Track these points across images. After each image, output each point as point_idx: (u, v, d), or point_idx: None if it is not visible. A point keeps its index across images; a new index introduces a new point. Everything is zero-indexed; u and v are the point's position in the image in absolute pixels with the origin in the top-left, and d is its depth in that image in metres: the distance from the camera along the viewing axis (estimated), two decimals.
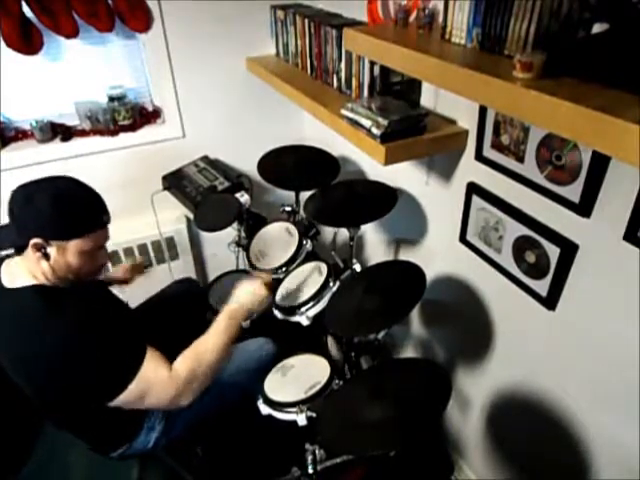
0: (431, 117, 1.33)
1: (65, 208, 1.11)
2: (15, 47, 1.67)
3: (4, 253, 1.23)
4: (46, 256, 1.12)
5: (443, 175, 1.50)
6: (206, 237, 2.41)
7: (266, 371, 1.51)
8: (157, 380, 1.15)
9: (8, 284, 1.14)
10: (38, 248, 1.10)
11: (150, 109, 2.11)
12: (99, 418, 1.26)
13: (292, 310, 1.51)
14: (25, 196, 1.10)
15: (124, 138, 2.03)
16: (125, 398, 1.12)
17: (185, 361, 1.20)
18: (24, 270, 1.14)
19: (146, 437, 1.34)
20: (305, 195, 1.69)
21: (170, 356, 1.23)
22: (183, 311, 1.67)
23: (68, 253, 1.13)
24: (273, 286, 1.40)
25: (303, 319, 1.48)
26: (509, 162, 1.21)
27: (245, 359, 1.53)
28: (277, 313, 1.56)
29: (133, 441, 1.33)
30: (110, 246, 2.03)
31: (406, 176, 1.68)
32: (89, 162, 2.00)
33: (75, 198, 1.14)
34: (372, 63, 1.42)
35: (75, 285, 1.19)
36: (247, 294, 1.36)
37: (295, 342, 1.62)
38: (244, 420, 1.59)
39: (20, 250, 1.15)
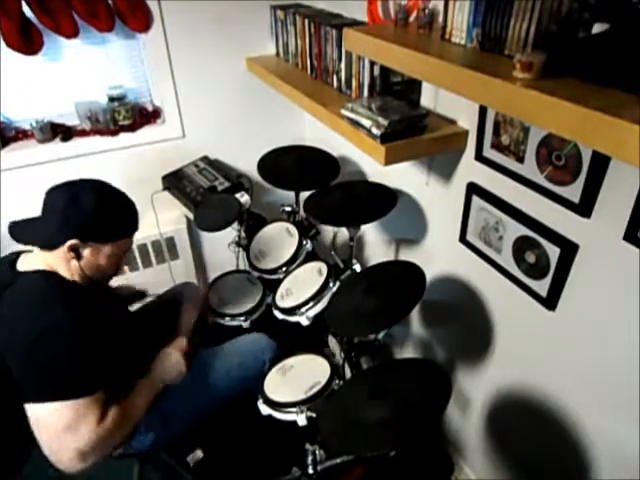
0: (431, 117, 1.33)
1: (109, 212, 1.17)
2: (15, 47, 1.67)
3: (19, 249, 1.24)
4: (78, 257, 1.15)
5: (443, 175, 1.50)
6: (206, 237, 2.41)
7: (264, 367, 1.51)
8: (87, 419, 1.07)
9: (23, 267, 1.17)
10: (73, 249, 1.13)
11: (150, 109, 2.11)
12: None
13: (292, 310, 1.51)
14: (71, 196, 1.12)
15: (124, 138, 2.03)
16: (51, 414, 1.05)
17: (113, 418, 1.13)
18: (41, 261, 1.16)
19: (144, 436, 1.34)
20: (305, 195, 1.69)
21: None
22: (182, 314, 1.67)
23: (101, 255, 1.17)
24: (190, 355, 1.38)
25: (303, 319, 1.48)
26: (509, 162, 1.21)
27: (242, 355, 1.53)
28: (277, 313, 1.57)
29: (131, 440, 1.33)
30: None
31: (406, 176, 1.68)
32: (89, 162, 2.01)
33: (118, 203, 1.21)
34: (372, 63, 1.42)
35: (95, 286, 1.22)
36: (164, 366, 1.34)
37: (295, 342, 1.62)
38: (244, 420, 1.59)
39: (50, 247, 1.15)
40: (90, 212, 1.13)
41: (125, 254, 1.27)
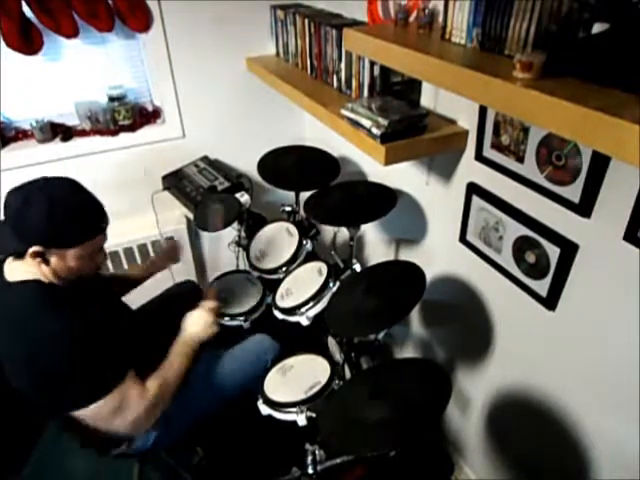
0: (431, 117, 1.33)
1: (63, 218, 1.09)
2: (15, 47, 1.67)
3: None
4: (46, 261, 1.12)
5: (443, 175, 1.50)
6: (206, 237, 2.41)
7: (266, 368, 1.51)
8: (132, 399, 1.16)
9: (10, 279, 1.15)
10: (37, 255, 1.10)
11: (150, 109, 2.11)
12: None
13: (292, 310, 1.51)
14: (22, 201, 1.07)
15: (124, 138, 2.03)
16: (97, 411, 1.12)
17: (154, 384, 1.23)
18: (23, 269, 1.14)
19: (146, 436, 1.34)
20: (305, 195, 1.69)
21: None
22: (183, 312, 1.67)
23: (68, 258, 1.13)
24: (218, 310, 1.46)
25: (303, 319, 1.48)
26: (509, 162, 1.21)
27: (245, 356, 1.53)
28: (277, 313, 1.56)
29: (132, 440, 1.33)
30: (110, 246, 2.07)
31: (406, 176, 1.68)
32: (89, 162, 2.01)
33: (73, 207, 1.12)
34: (372, 63, 1.42)
35: (76, 285, 1.19)
36: (194, 324, 1.39)
37: (295, 342, 1.62)
38: (244, 420, 1.59)
39: (19, 255, 1.13)
40: (42, 220, 1.06)
41: (100, 251, 1.21)
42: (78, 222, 1.12)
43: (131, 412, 1.16)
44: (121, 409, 1.15)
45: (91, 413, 1.13)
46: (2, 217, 1.12)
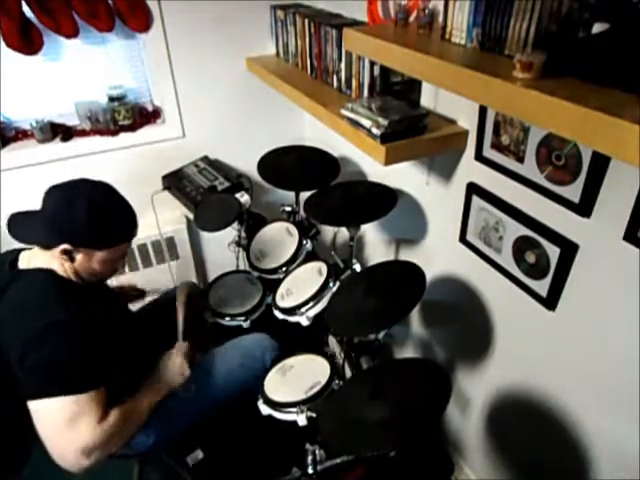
0: (431, 117, 1.33)
1: (102, 220, 1.14)
2: (15, 47, 1.67)
3: (20, 246, 1.23)
4: (72, 259, 1.15)
5: (443, 175, 1.50)
6: (206, 237, 2.41)
7: (265, 367, 1.51)
8: (86, 418, 1.07)
9: (25, 266, 1.17)
10: (66, 252, 1.13)
11: (150, 109, 2.11)
12: None
13: (292, 310, 1.51)
14: (65, 199, 1.11)
15: (124, 138, 2.03)
16: (55, 408, 1.06)
17: (114, 419, 1.13)
18: (46, 259, 1.16)
19: (145, 437, 1.34)
20: (305, 195, 1.69)
21: None
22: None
23: (94, 260, 1.17)
24: (192, 358, 1.38)
25: (303, 319, 1.48)
26: (509, 162, 1.21)
27: (244, 356, 1.53)
28: (277, 313, 1.56)
29: (132, 440, 1.33)
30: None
31: (406, 176, 1.68)
32: (89, 162, 2.01)
33: (112, 210, 1.18)
34: (372, 63, 1.42)
35: (89, 286, 1.22)
36: (167, 371, 1.33)
37: (295, 342, 1.62)
38: (244, 420, 1.59)
39: (45, 247, 1.16)
40: (81, 219, 1.11)
41: (122, 258, 1.26)
42: (113, 226, 1.17)
43: (83, 430, 1.07)
44: (75, 421, 1.06)
45: (45, 412, 1.06)
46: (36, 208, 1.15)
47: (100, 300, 1.28)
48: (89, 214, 1.11)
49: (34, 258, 1.18)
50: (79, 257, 1.15)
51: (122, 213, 1.21)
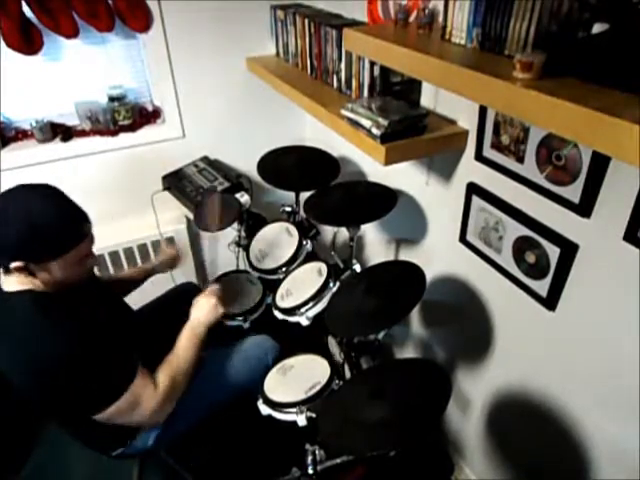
0: (431, 117, 1.33)
1: (36, 234, 1.04)
2: (15, 47, 1.67)
3: None
4: (32, 274, 1.10)
5: (443, 175, 1.50)
6: (206, 237, 2.41)
7: (267, 368, 1.51)
8: (145, 395, 1.19)
9: (6, 288, 1.13)
10: (21, 270, 1.08)
11: (150, 109, 2.11)
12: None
13: (292, 310, 1.51)
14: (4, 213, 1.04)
15: (124, 138, 2.03)
16: (114, 411, 1.15)
17: (164, 376, 1.25)
18: (15, 280, 1.11)
19: (146, 436, 1.34)
20: (305, 195, 1.69)
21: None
22: (184, 314, 1.67)
23: (53, 270, 1.10)
24: (221, 295, 1.48)
25: (303, 319, 1.48)
26: (509, 162, 1.21)
27: (245, 357, 1.53)
28: (277, 313, 1.56)
29: (133, 440, 1.33)
30: (110, 246, 2.07)
31: (406, 176, 1.68)
32: (89, 162, 2.01)
33: (50, 220, 1.07)
34: (372, 63, 1.42)
35: (73, 290, 1.18)
36: (200, 308, 1.42)
37: (295, 342, 1.62)
38: (244, 420, 1.59)
39: (7, 269, 1.10)
40: (12, 236, 1.03)
41: (87, 257, 1.18)
42: (56, 236, 1.08)
43: (146, 407, 1.19)
44: (136, 405, 1.18)
45: (109, 415, 1.15)
46: None
47: (94, 302, 1.27)
48: (18, 232, 1.03)
49: (8, 281, 1.12)
50: (37, 271, 1.09)
51: (62, 219, 1.09)
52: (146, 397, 1.19)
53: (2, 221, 1.04)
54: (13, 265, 1.07)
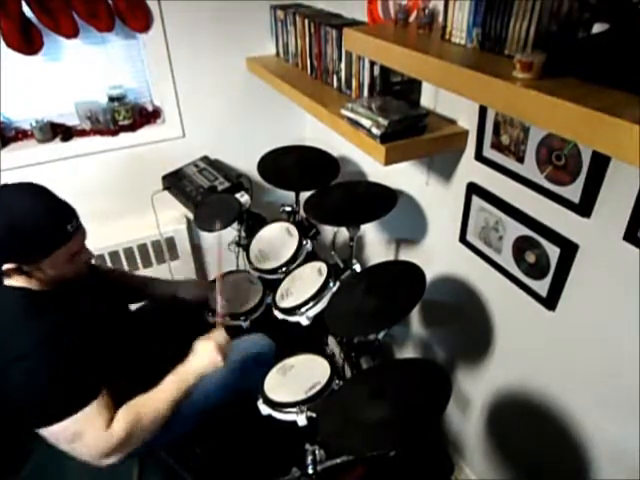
0: (431, 117, 1.33)
1: (24, 235, 1.03)
2: (15, 47, 1.67)
3: None
4: (26, 273, 1.08)
5: (443, 175, 1.50)
6: (206, 237, 2.41)
7: (264, 367, 1.51)
8: (96, 425, 1.08)
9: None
10: (13, 272, 1.07)
11: (150, 109, 2.11)
12: None
13: (292, 310, 1.51)
14: None
15: (124, 138, 2.03)
16: (56, 431, 1.05)
17: (124, 421, 1.12)
18: (14, 280, 1.10)
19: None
20: (305, 195, 1.69)
21: (168, 361, 1.22)
22: (183, 312, 1.66)
23: (44, 269, 1.08)
24: (226, 350, 1.30)
25: (303, 319, 1.48)
26: (509, 162, 1.21)
27: (242, 355, 1.53)
28: (277, 313, 1.56)
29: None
30: (110, 246, 2.07)
31: (406, 176, 1.68)
32: (89, 162, 2.01)
33: (34, 219, 1.05)
34: (372, 63, 1.42)
35: (65, 289, 1.15)
36: (201, 359, 1.27)
37: (295, 342, 1.62)
38: (244, 420, 1.59)
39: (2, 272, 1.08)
40: (2, 239, 1.02)
41: (80, 252, 1.15)
42: (41, 235, 1.06)
43: (90, 440, 1.08)
44: (81, 435, 1.07)
45: (51, 433, 1.06)
46: None
47: (89, 302, 1.25)
48: (10, 233, 1.02)
49: (9, 280, 1.11)
50: (30, 270, 1.07)
51: (47, 217, 1.07)
52: (91, 434, 1.07)
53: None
54: (5, 267, 1.05)
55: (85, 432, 1.07)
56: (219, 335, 1.31)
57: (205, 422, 1.46)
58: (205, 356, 1.26)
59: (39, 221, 1.06)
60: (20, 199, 1.07)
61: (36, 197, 1.09)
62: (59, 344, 1.07)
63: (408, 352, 2.03)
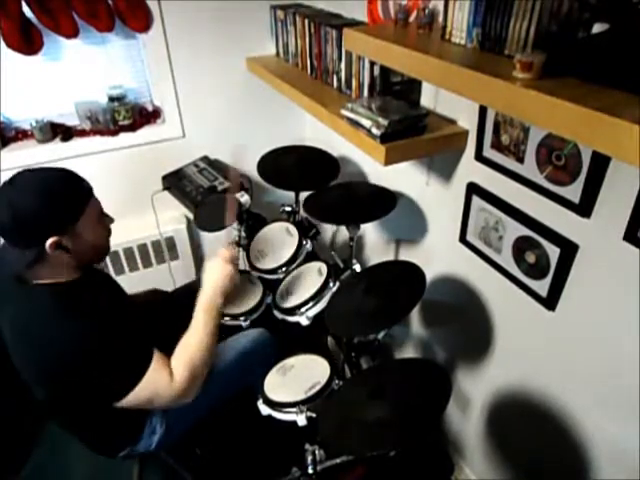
0: (431, 117, 1.33)
1: (58, 199, 1.10)
2: (15, 47, 1.67)
3: None
4: (65, 249, 1.11)
5: (443, 175, 1.50)
6: (206, 237, 2.41)
7: (264, 363, 1.51)
8: (162, 381, 1.17)
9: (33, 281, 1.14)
10: (57, 245, 1.09)
11: (150, 109, 2.11)
12: (103, 421, 1.26)
13: (292, 310, 1.51)
14: (6, 209, 1.04)
15: (124, 138, 2.03)
16: (132, 399, 1.14)
17: (180, 360, 1.21)
18: (44, 272, 1.13)
19: (149, 439, 1.34)
20: (305, 195, 1.69)
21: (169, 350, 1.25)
22: (183, 310, 1.66)
23: (83, 233, 1.14)
24: (237, 257, 1.37)
25: (303, 319, 1.48)
26: (509, 162, 1.21)
27: (242, 352, 1.52)
28: (277, 313, 1.56)
29: (136, 444, 1.33)
30: (110, 246, 2.06)
31: (406, 176, 1.68)
32: (89, 162, 2.00)
33: (61, 184, 1.13)
34: (372, 63, 1.42)
35: (88, 276, 1.21)
36: (213, 278, 1.32)
37: (295, 342, 1.62)
38: (244, 420, 1.59)
39: (36, 260, 1.10)
40: (41, 209, 1.06)
41: (103, 215, 1.24)
42: (72, 194, 1.13)
43: (165, 394, 1.17)
44: (155, 394, 1.17)
45: (129, 402, 1.15)
46: None
47: (109, 298, 1.29)
48: (42, 201, 1.07)
49: (34, 272, 1.13)
50: (70, 242, 1.11)
51: (70, 179, 1.16)
52: (163, 384, 1.17)
53: (12, 213, 1.04)
54: (50, 242, 1.07)
55: (156, 391, 1.16)
56: (223, 251, 1.36)
57: (206, 420, 1.46)
58: (215, 270, 1.32)
59: (66, 183, 1.14)
60: (44, 171, 1.16)
61: (54, 169, 1.18)
62: (101, 328, 1.12)
63: (408, 352, 2.03)
